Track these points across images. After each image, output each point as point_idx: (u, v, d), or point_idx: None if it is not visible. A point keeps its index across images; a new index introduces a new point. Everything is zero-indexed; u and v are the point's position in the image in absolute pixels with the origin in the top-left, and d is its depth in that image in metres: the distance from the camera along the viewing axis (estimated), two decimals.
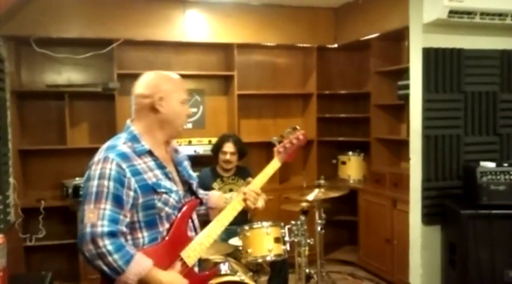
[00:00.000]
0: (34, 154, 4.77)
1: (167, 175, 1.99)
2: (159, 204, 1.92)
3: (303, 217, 3.63)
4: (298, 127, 2.42)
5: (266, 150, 5.07)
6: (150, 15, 4.76)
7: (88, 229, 1.78)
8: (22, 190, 4.59)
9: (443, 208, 3.49)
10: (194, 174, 2.26)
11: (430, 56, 3.50)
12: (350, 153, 5.37)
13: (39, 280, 3.20)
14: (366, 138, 5.26)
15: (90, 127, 4.99)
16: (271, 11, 5.17)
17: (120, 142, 1.94)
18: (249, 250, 3.21)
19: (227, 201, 2.24)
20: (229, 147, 4.16)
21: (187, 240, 2.01)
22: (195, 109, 5.35)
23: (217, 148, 4.24)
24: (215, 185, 4.10)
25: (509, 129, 3.68)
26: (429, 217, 3.55)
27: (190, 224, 2.07)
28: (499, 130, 3.66)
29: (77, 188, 4.38)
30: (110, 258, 1.77)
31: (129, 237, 1.88)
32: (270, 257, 3.23)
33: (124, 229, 1.84)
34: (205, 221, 2.24)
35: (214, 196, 2.31)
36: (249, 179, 2.32)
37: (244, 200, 2.18)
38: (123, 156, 1.88)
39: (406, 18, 3.68)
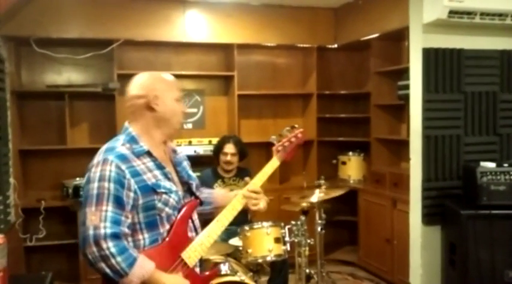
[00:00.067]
0: (34, 154, 4.77)
1: (166, 176, 2.00)
2: (159, 205, 1.92)
3: (303, 217, 3.63)
4: (296, 125, 2.43)
5: (266, 150, 5.07)
6: (150, 15, 4.76)
7: (91, 232, 1.78)
8: (22, 191, 4.59)
9: (443, 208, 3.50)
10: (194, 175, 2.26)
11: (430, 56, 3.50)
12: (350, 153, 5.37)
13: (40, 280, 3.20)
14: (366, 138, 5.26)
15: (90, 128, 4.99)
16: (271, 11, 5.17)
17: (118, 144, 1.94)
18: (249, 250, 3.21)
19: None
20: (230, 148, 4.17)
21: (187, 241, 2.01)
22: (195, 110, 5.35)
23: (218, 149, 4.25)
24: (216, 186, 4.10)
25: (509, 129, 3.68)
26: (429, 217, 3.55)
27: (191, 224, 2.07)
28: (499, 131, 3.66)
29: (77, 188, 4.38)
30: (113, 260, 1.77)
31: (130, 239, 1.88)
32: (270, 258, 3.23)
33: (126, 230, 1.85)
34: (205, 221, 2.24)
35: (219, 194, 2.32)
36: (247, 179, 2.33)
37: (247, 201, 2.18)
38: (122, 158, 1.88)
39: (406, 18, 3.68)
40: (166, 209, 1.95)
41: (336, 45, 5.51)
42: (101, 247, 1.77)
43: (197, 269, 2.06)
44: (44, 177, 4.84)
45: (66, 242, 4.58)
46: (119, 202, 1.83)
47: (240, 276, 3.04)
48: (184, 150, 4.43)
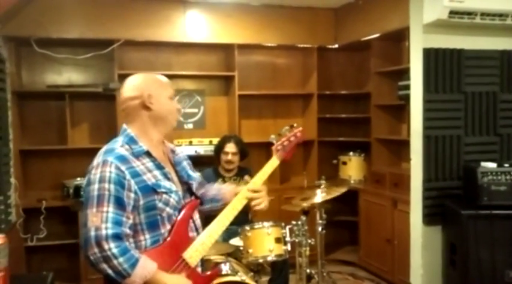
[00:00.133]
0: (35, 154, 4.78)
1: (166, 176, 2.00)
2: (160, 204, 1.93)
3: (303, 218, 3.63)
4: (295, 124, 2.43)
5: (266, 150, 5.08)
6: (151, 15, 4.77)
7: (92, 233, 1.78)
8: (23, 190, 4.59)
9: (443, 209, 3.50)
10: (194, 174, 2.26)
11: (431, 56, 3.50)
12: (351, 153, 5.37)
13: (41, 280, 3.20)
14: (367, 138, 5.26)
15: (90, 128, 5.00)
16: (272, 12, 5.17)
17: (117, 145, 1.95)
18: (250, 250, 3.21)
19: None
20: (230, 148, 4.19)
21: (188, 241, 2.02)
22: (195, 110, 5.35)
23: (219, 148, 4.27)
24: None
25: (510, 129, 3.68)
26: (430, 217, 3.55)
27: (192, 224, 2.07)
28: (499, 131, 3.66)
29: (77, 188, 4.39)
30: (115, 261, 1.77)
31: (131, 240, 1.88)
32: (270, 258, 3.23)
33: (128, 230, 1.85)
34: (206, 219, 2.24)
35: (228, 191, 2.31)
36: (247, 177, 2.33)
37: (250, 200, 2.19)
38: (122, 159, 1.89)
39: (407, 19, 3.68)
40: (167, 209, 1.95)
41: (336, 46, 5.51)
42: (102, 248, 1.77)
43: (199, 269, 2.07)
44: (44, 177, 4.84)
45: (66, 242, 4.59)
46: (119, 203, 1.83)
47: (241, 276, 3.04)
48: (185, 150, 4.43)
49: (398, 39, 4.89)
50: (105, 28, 4.64)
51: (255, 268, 3.38)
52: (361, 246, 5.11)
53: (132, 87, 2.03)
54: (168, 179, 2.00)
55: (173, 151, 2.20)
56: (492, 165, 3.26)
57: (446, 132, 3.56)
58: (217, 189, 2.34)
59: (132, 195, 1.86)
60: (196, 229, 2.10)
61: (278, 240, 3.27)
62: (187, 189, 2.15)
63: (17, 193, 4.24)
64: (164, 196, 1.94)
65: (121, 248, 1.79)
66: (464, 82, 3.57)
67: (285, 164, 5.13)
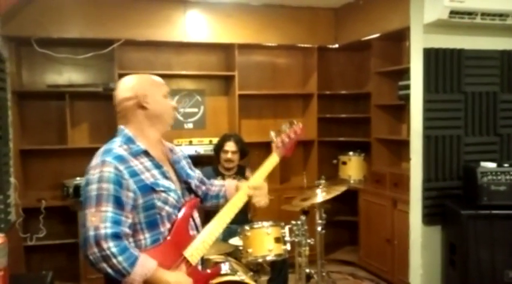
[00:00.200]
0: (35, 154, 4.78)
1: (164, 175, 2.00)
2: (159, 203, 1.93)
3: (303, 217, 3.62)
4: (295, 121, 2.43)
5: (266, 150, 5.07)
6: (151, 15, 4.76)
7: (91, 233, 1.78)
8: (23, 190, 4.59)
9: (443, 209, 3.50)
10: (193, 173, 2.26)
11: (431, 56, 3.50)
12: (350, 153, 5.37)
13: (40, 279, 3.21)
14: (367, 138, 5.26)
15: (90, 128, 5.00)
16: (272, 11, 5.17)
17: (115, 145, 1.96)
18: (250, 250, 3.21)
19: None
20: (230, 146, 4.19)
21: (189, 239, 2.02)
22: (195, 110, 5.35)
23: (218, 147, 4.27)
24: None
25: (510, 129, 3.68)
26: (429, 217, 3.55)
27: (192, 223, 2.07)
28: (499, 131, 3.66)
29: (77, 188, 4.39)
30: (114, 260, 1.77)
31: (131, 239, 1.88)
32: (270, 257, 3.23)
33: (127, 230, 1.85)
34: (206, 216, 2.24)
35: (231, 186, 2.32)
36: (247, 174, 2.33)
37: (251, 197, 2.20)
38: (120, 158, 1.89)
39: (407, 19, 3.68)
40: (166, 208, 1.95)
41: (336, 45, 5.51)
42: (101, 248, 1.77)
43: (199, 267, 2.07)
44: (44, 177, 4.84)
45: (66, 241, 4.59)
46: (118, 203, 1.83)
47: (240, 276, 3.04)
48: (185, 150, 4.42)
49: (399, 39, 4.89)
50: (105, 28, 4.64)
51: (255, 268, 3.38)
52: (361, 246, 5.11)
53: (126, 88, 2.04)
54: (167, 178, 2.00)
55: (172, 150, 2.20)
56: (492, 165, 3.26)
57: (446, 132, 3.56)
58: (220, 185, 2.35)
59: (131, 195, 1.86)
60: (197, 228, 2.11)
61: (278, 240, 3.27)
62: (187, 188, 2.16)
63: (17, 192, 4.24)
64: (163, 194, 1.94)
65: (120, 247, 1.79)
66: (465, 82, 3.57)
67: (285, 164, 5.15)
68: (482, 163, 3.30)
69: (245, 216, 4.01)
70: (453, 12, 3.28)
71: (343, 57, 5.80)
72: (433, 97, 3.52)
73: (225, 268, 3.09)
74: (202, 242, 2.03)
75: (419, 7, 3.47)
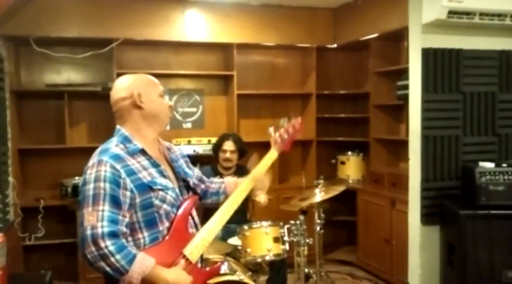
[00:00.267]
0: (33, 153, 4.77)
1: (162, 173, 2.00)
2: (157, 202, 1.93)
3: (302, 217, 3.63)
4: (293, 116, 2.43)
5: (265, 149, 5.03)
6: (150, 15, 4.76)
7: (88, 232, 1.78)
8: (21, 190, 4.59)
9: (442, 209, 3.50)
10: (191, 171, 2.27)
11: (429, 56, 3.50)
12: (349, 153, 5.37)
13: (39, 279, 3.21)
14: (365, 138, 5.26)
15: (89, 127, 5.00)
16: (271, 11, 5.17)
17: (112, 145, 1.96)
18: (248, 250, 3.22)
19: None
20: (229, 146, 4.19)
21: (188, 237, 2.02)
22: (194, 109, 5.35)
23: (217, 146, 4.27)
24: None
25: (508, 129, 3.68)
26: (428, 217, 3.56)
27: (191, 221, 2.08)
28: (498, 131, 3.67)
29: (75, 187, 4.39)
30: (112, 259, 1.77)
31: (129, 238, 1.88)
32: (269, 257, 3.24)
33: (124, 229, 1.85)
34: (204, 216, 2.24)
35: (231, 183, 2.34)
36: (251, 160, 2.33)
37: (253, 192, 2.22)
38: (117, 158, 1.90)
39: (405, 19, 3.68)
40: (164, 206, 1.95)
41: (335, 45, 5.51)
42: (99, 246, 1.77)
43: (199, 265, 2.07)
44: (43, 176, 4.84)
45: (65, 241, 4.59)
46: (115, 202, 1.83)
47: (239, 275, 3.04)
48: (184, 150, 4.40)
49: (397, 39, 4.89)
50: (104, 27, 4.64)
51: (253, 268, 3.38)
52: (359, 246, 5.12)
53: (121, 88, 2.05)
54: (164, 176, 2.01)
55: (169, 149, 2.20)
56: (490, 165, 3.26)
57: (444, 132, 3.56)
58: (219, 182, 2.36)
59: (128, 193, 1.87)
60: (196, 225, 2.11)
61: (276, 240, 3.27)
62: (185, 186, 2.16)
63: (15, 192, 4.24)
64: (160, 193, 1.94)
65: (118, 246, 1.79)
66: (463, 82, 3.57)
67: (283, 164, 5.14)
68: (481, 163, 3.31)
69: (244, 216, 4.01)
70: (451, 12, 3.28)
71: (342, 57, 5.80)
72: (432, 97, 3.52)
73: (224, 267, 3.09)
74: (202, 240, 2.03)
75: (417, 7, 3.47)
